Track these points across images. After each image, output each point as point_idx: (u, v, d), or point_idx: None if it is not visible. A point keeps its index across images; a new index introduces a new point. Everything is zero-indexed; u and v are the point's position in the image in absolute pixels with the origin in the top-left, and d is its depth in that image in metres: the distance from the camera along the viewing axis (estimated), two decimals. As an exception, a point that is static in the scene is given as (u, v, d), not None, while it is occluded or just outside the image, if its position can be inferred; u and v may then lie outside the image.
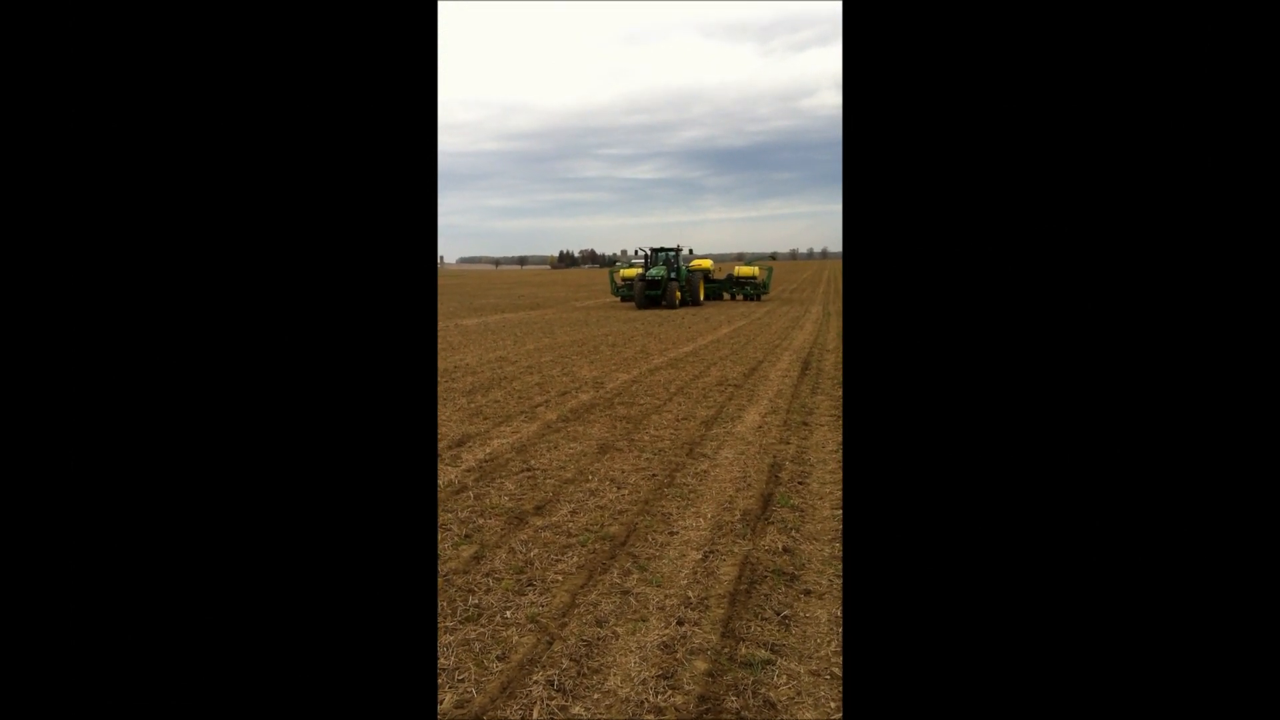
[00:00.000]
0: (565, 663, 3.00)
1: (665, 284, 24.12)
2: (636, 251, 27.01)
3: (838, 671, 2.92)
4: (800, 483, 5.28)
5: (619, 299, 28.71)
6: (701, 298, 25.60)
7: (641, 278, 24.68)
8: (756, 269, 27.95)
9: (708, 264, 27.97)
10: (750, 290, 27.33)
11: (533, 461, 5.91)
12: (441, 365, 11.53)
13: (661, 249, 26.12)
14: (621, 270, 28.86)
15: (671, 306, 23.83)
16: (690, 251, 26.73)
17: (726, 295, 27.98)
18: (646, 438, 6.65)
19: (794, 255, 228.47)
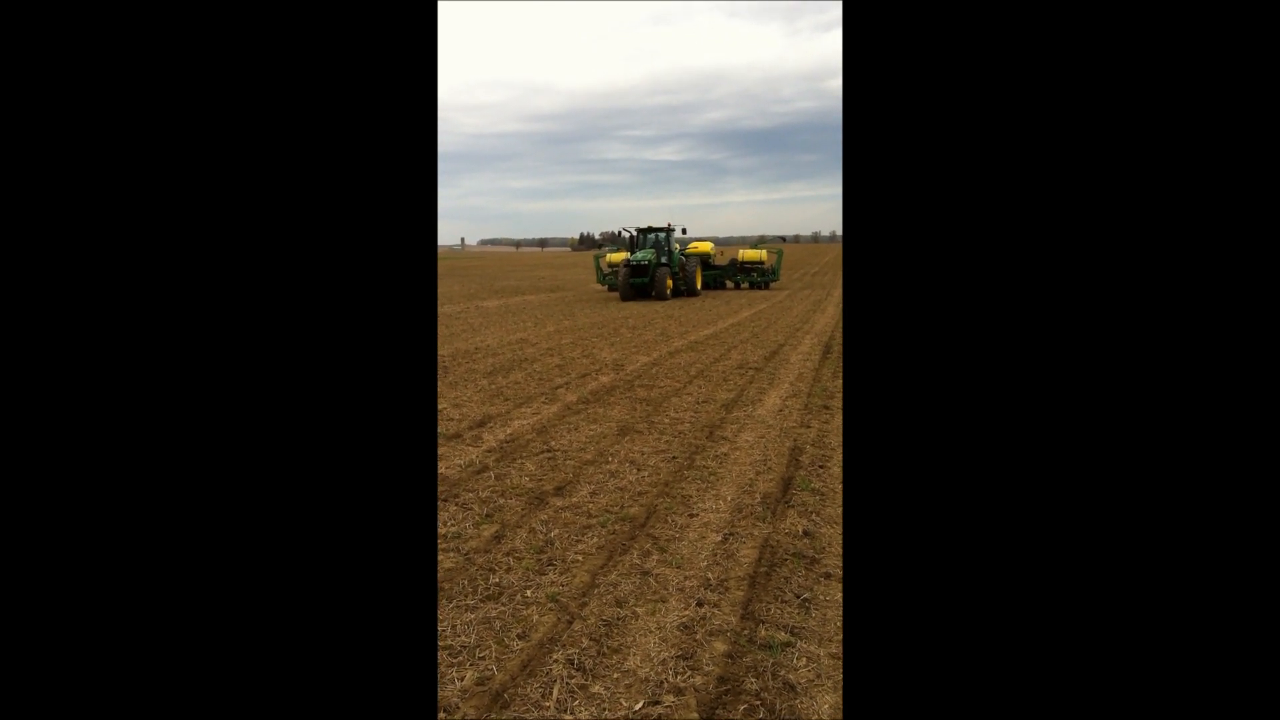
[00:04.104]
0: (585, 642, 3.02)
1: (654, 270, 20.61)
2: (620, 232, 23.42)
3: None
4: (821, 466, 5.26)
5: (606, 288, 24.35)
6: (699, 286, 22.23)
7: (626, 263, 21.02)
8: (764, 253, 24.36)
9: (707, 247, 24.21)
10: (757, 277, 24.09)
11: (553, 442, 5.94)
12: (462, 347, 11.59)
13: (650, 229, 22.11)
14: (609, 255, 24.54)
15: (662, 298, 20.36)
16: (684, 231, 22.93)
17: (730, 283, 24.57)
18: (666, 420, 6.65)
19: (815, 238, 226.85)
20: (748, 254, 24.32)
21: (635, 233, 22.43)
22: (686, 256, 22.50)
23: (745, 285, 24.37)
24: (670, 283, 20.75)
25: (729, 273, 24.34)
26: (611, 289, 23.37)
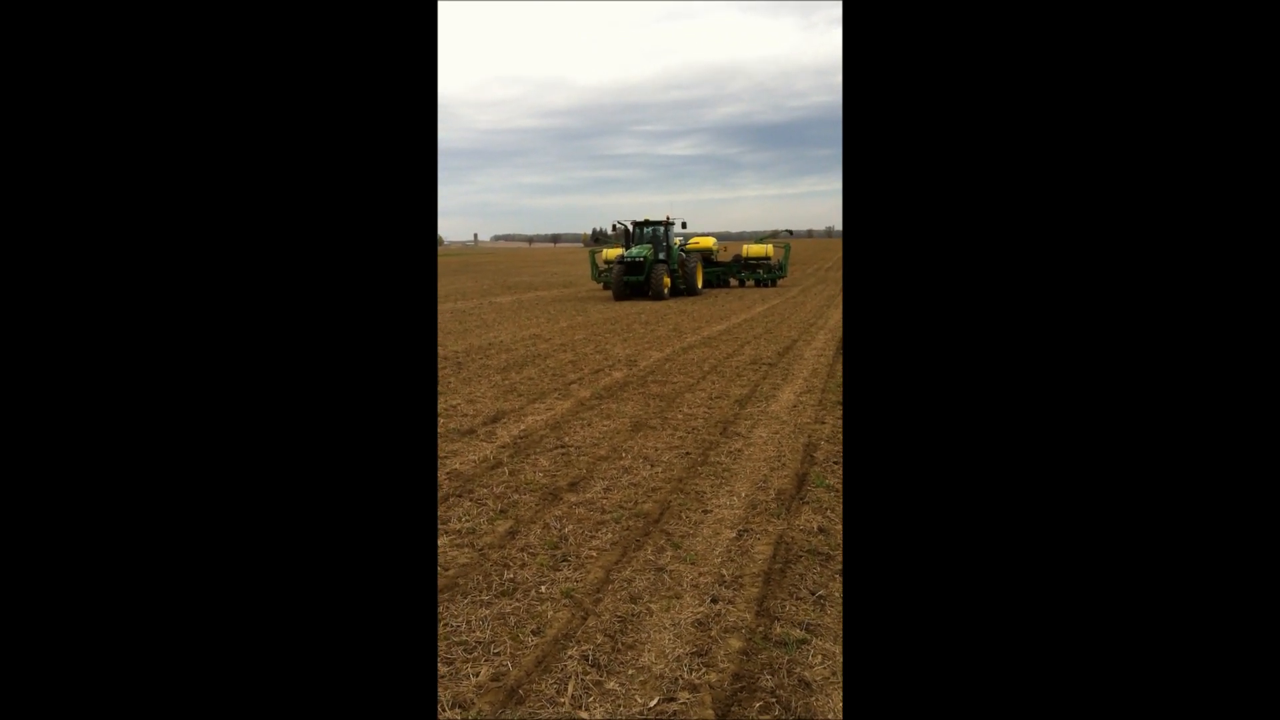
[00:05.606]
0: (600, 638, 3.02)
1: (650, 267, 19.11)
2: (614, 226, 21.80)
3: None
4: (836, 463, 5.23)
5: (601, 285, 22.85)
6: (700, 285, 20.73)
7: (620, 260, 19.50)
8: (769, 248, 22.90)
9: (709, 243, 22.90)
10: (763, 274, 22.72)
11: (566, 438, 5.94)
12: (476, 343, 11.62)
13: (647, 222, 20.40)
14: (605, 251, 23.14)
15: (659, 297, 18.81)
16: (684, 225, 20.99)
17: (734, 281, 23.04)
18: (680, 416, 6.63)
19: (829, 233, 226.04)
20: (753, 249, 22.98)
21: (631, 227, 20.67)
22: (686, 253, 20.85)
23: (750, 282, 23.03)
24: (668, 281, 19.31)
25: (733, 269, 22.93)
26: (607, 286, 21.63)
